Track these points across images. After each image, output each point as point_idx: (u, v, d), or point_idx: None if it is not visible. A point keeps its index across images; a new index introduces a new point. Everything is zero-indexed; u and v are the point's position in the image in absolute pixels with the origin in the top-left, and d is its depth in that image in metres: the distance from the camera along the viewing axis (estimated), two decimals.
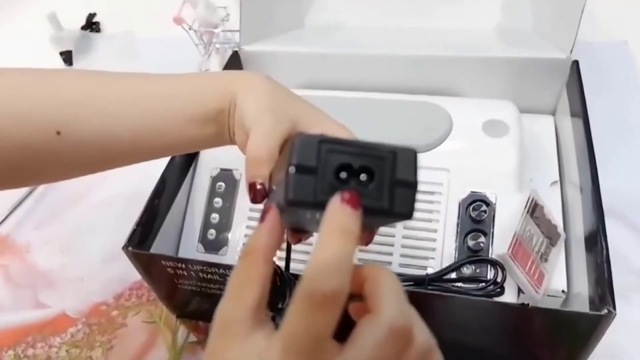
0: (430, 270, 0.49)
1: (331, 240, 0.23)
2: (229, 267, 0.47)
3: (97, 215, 0.70)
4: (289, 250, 0.34)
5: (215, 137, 0.40)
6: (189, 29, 0.78)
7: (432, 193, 0.51)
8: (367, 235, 0.35)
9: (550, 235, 0.50)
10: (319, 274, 0.22)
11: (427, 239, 0.50)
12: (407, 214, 0.26)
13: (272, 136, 0.36)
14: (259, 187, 0.35)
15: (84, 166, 0.41)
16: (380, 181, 0.25)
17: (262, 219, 0.27)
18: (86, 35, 0.96)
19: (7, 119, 0.37)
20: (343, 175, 0.25)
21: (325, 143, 0.25)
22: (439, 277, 0.48)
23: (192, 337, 0.57)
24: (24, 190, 0.72)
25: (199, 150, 0.41)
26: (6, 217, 0.70)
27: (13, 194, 0.72)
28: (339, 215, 0.23)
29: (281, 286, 0.30)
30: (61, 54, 0.93)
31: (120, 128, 0.39)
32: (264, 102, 0.38)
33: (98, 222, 0.69)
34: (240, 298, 0.25)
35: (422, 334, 0.26)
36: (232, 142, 0.40)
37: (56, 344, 0.58)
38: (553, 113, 0.63)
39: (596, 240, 0.44)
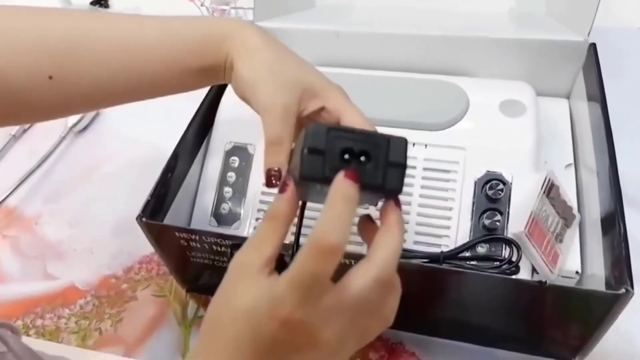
0: (445, 249, 0.49)
1: (336, 204, 0.28)
2: (243, 240, 0.46)
3: (107, 188, 0.69)
4: (299, 227, 0.35)
5: (210, 82, 0.42)
6: (201, 5, 0.77)
7: (448, 171, 0.51)
8: None
9: (566, 216, 0.50)
10: (326, 227, 0.27)
11: (443, 217, 0.50)
12: (397, 189, 0.31)
13: (287, 120, 0.37)
14: (274, 173, 0.36)
15: (74, 107, 0.43)
16: (376, 162, 0.30)
17: (282, 189, 0.31)
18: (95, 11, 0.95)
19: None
20: (346, 157, 0.30)
21: (332, 130, 0.30)
22: (453, 255, 0.47)
23: (202, 312, 0.57)
24: (33, 162, 0.72)
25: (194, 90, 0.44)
26: (15, 189, 0.70)
27: (22, 166, 0.71)
28: (343, 186, 0.28)
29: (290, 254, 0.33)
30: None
31: (114, 74, 0.40)
32: (266, 72, 0.38)
33: (108, 195, 0.69)
34: (260, 249, 0.30)
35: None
36: (226, 81, 0.41)
37: (65, 315, 0.58)
38: (568, 96, 0.63)
39: (613, 222, 0.44)
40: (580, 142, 0.57)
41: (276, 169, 0.37)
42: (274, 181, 0.37)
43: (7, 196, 0.69)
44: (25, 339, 0.56)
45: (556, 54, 0.60)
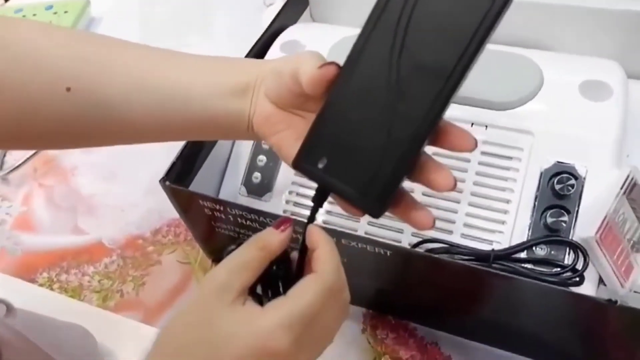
0: (497, 247, 0.42)
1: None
2: (269, 216, 0.42)
3: (147, 145, 0.66)
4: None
5: (238, 106, 0.35)
6: None
7: (510, 158, 0.44)
8: None
9: None
10: (329, 270, 0.30)
11: (498, 210, 0.43)
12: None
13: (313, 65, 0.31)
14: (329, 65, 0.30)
15: (88, 134, 0.36)
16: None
17: (280, 226, 0.31)
18: None
19: (17, 72, 0.32)
20: None
21: None
22: (507, 255, 0.41)
23: None
24: None
25: (215, 139, 0.40)
26: None
27: None
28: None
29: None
30: None
31: (136, 99, 0.34)
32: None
33: (147, 151, 0.65)
34: (241, 274, 0.29)
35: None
36: (248, 131, 0.36)
37: (90, 272, 0.56)
38: None
39: None
40: None
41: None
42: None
43: None
44: (46, 292, 0.55)
45: None
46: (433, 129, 0.28)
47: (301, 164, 0.31)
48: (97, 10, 0.85)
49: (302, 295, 0.28)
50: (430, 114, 0.27)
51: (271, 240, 0.30)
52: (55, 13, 0.81)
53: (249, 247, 0.30)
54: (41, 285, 0.56)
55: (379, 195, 0.29)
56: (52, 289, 0.55)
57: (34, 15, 0.82)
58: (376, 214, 0.29)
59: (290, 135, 0.33)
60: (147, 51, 0.36)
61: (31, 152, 0.68)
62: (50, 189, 0.65)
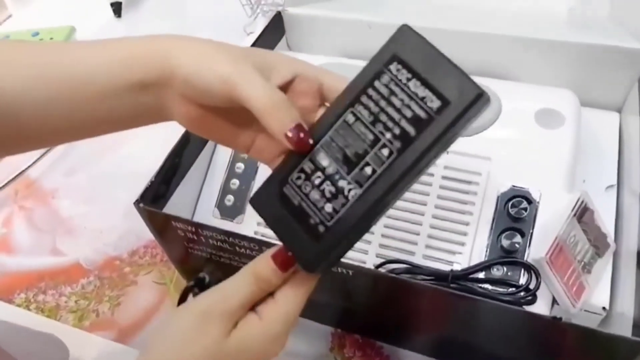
0: (456, 267, 0.44)
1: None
2: (241, 237, 0.44)
3: (126, 167, 0.68)
4: None
5: (151, 101, 0.33)
6: None
7: (469, 182, 0.46)
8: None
9: (598, 244, 0.44)
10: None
11: (457, 232, 0.46)
12: None
13: (265, 83, 0.30)
14: (294, 130, 0.29)
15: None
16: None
17: (284, 268, 0.30)
18: None
19: None
20: None
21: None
22: (464, 275, 0.43)
23: None
24: None
25: (132, 127, 0.36)
26: (36, 161, 0.70)
27: None
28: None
29: None
30: (112, 4, 0.91)
31: (37, 97, 0.31)
32: (213, 51, 0.31)
33: (125, 174, 0.67)
34: (229, 299, 0.30)
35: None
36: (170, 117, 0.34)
37: (67, 293, 0.57)
38: (619, 110, 0.57)
39: None
40: (628, 161, 0.51)
41: (294, 125, 0.29)
42: (301, 135, 0.29)
43: (28, 167, 0.69)
44: (20, 312, 0.56)
45: (610, 61, 0.54)
46: (389, 207, 0.28)
47: (255, 203, 0.32)
48: (82, 36, 0.88)
49: (241, 341, 0.30)
50: (387, 196, 0.27)
51: (270, 277, 0.30)
52: (41, 39, 0.84)
53: (243, 275, 0.31)
54: (18, 305, 0.57)
55: (318, 261, 0.29)
56: (29, 309, 0.56)
57: None
58: (310, 270, 0.29)
59: (231, 128, 0.33)
60: (52, 43, 0.35)
61: (13, 174, 0.69)
62: (30, 212, 0.66)
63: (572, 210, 0.43)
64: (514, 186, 0.45)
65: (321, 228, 0.28)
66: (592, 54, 0.54)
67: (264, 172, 0.52)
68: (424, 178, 0.47)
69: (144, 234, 0.60)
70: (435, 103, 0.26)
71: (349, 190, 0.28)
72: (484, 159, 0.47)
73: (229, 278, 0.32)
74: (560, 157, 0.46)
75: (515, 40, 0.55)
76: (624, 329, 0.39)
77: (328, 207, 0.28)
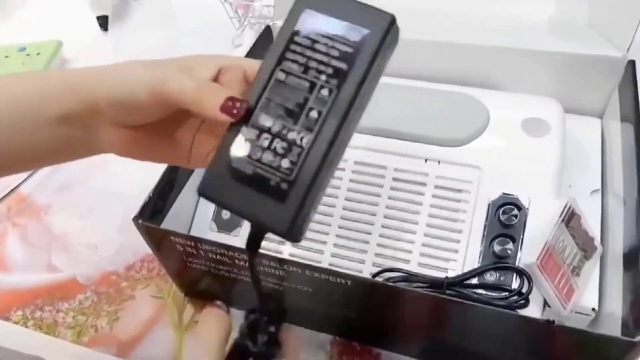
0: (450, 274, 0.46)
1: None
2: (238, 250, 0.45)
3: (119, 182, 0.69)
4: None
5: (75, 135, 0.33)
6: (225, 1, 0.76)
7: (460, 191, 0.48)
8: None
9: (586, 248, 0.46)
10: None
11: (451, 240, 0.47)
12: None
13: (192, 76, 0.31)
14: (229, 101, 0.30)
15: None
16: None
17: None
18: (124, 1, 0.94)
19: None
20: None
21: None
22: (459, 281, 0.44)
23: (199, 317, 0.55)
24: None
25: (59, 161, 0.36)
26: (28, 177, 0.70)
27: None
28: None
29: None
30: (98, 18, 0.92)
31: None
32: (145, 64, 0.32)
33: (119, 189, 0.68)
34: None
35: None
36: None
37: (64, 309, 0.57)
38: (601, 116, 0.59)
39: (637, 258, 0.40)
40: (610, 166, 0.53)
41: (225, 98, 0.30)
42: (237, 104, 0.29)
43: (20, 184, 0.69)
44: (17, 329, 0.56)
45: (591, 69, 0.56)
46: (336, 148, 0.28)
47: (206, 190, 0.30)
48: (69, 51, 0.88)
49: None
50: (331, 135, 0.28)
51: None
52: (28, 55, 0.84)
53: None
54: (15, 323, 0.57)
55: (293, 219, 0.28)
56: (26, 327, 0.56)
57: (6, 57, 0.84)
58: (293, 236, 0.28)
59: (166, 142, 0.33)
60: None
61: (5, 191, 0.69)
62: (24, 228, 0.66)
63: (560, 217, 0.44)
64: (504, 193, 0.47)
65: (284, 185, 0.28)
66: (573, 63, 0.56)
67: None
68: (417, 188, 0.49)
69: (140, 248, 0.60)
70: (356, 36, 0.29)
71: (301, 138, 0.28)
72: (474, 168, 0.48)
73: None
74: (547, 164, 0.48)
75: (501, 51, 0.57)
76: (612, 329, 0.41)
77: (285, 163, 0.28)
